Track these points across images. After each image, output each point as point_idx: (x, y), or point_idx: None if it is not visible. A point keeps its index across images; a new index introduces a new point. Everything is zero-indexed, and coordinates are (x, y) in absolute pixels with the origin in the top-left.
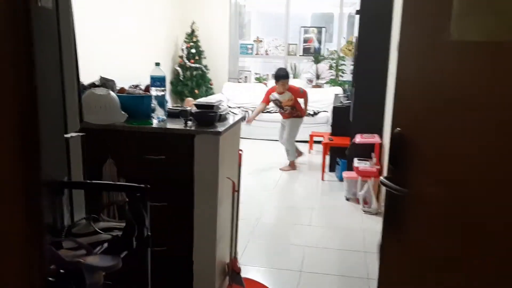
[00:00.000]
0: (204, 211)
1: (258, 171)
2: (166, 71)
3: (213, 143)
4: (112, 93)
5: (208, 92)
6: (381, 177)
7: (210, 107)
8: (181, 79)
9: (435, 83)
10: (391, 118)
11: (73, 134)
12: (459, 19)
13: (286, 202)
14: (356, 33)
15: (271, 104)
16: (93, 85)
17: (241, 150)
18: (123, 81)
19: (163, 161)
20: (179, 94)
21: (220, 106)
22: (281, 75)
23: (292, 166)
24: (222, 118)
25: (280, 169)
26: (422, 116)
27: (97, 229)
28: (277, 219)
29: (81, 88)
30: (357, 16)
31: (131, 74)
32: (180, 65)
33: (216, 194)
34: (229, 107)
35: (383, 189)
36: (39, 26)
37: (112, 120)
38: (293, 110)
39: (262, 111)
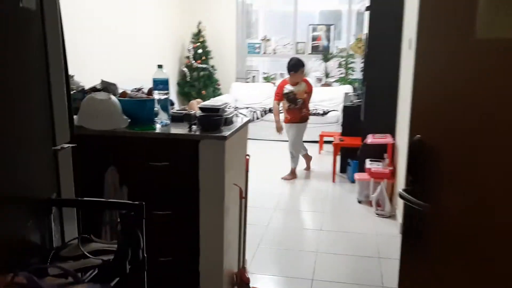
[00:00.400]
0: (210, 219)
1: (265, 174)
2: (172, 72)
3: (218, 148)
4: (113, 97)
5: (216, 92)
6: (400, 190)
7: (215, 110)
8: (188, 80)
9: (460, 85)
10: (409, 124)
11: (64, 146)
12: (487, 14)
13: (295, 206)
14: (365, 30)
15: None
16: (94, 89)
17: (248, 155)
18: (128, 84)
19: (167, 167)
20: (186, 95)
21: (225, 109)
22: (297, 64)
23: (293, 174)
24: (228, 122)
25: (282, 178)
26: (446, 121)
27: (86, 253)
28: (287, 224)
29: (82, 93)
30: (367, 13)
31: (137, 76)
32: (187, 66)
33: (223, 201)
34: (237, 107)
35: (396, 192)
36: (20, 27)
37: (113, 125)
38: (302, 106)
39: (278, 109)
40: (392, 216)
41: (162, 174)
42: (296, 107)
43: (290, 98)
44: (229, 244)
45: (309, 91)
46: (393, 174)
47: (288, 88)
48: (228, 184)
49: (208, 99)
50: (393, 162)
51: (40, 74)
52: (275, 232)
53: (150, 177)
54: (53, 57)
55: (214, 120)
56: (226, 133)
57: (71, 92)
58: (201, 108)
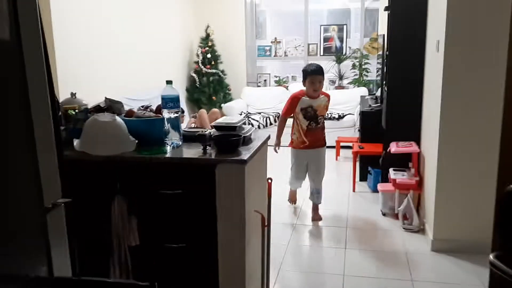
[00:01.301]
0: (230, 252)
1: (281, 185)
2: (181, 78)
3: (237, 173)
4: (118, 118)
5: (227, 98)
6: (491, 257)
7: (232, 128)
8: (198, 86)
9: None
10: (498, 171)
11: (56, 202)
12: None
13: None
14: (380, 29)
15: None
16: (98, 108)
17: (270, 178)
18: (135, 94)
19: (180, 195)
20: (195, 101)
21: (243, 126)
22: (315, 70)
23: (317, 214)
24: (246, 141)
25: (313, 220)
26: None
27: None
28: (308, 241)
29: (85, 112)
30: (384, 12)
31: (143, 86)
32: (196, 71)
33: (244, 231)
34: (249, 113)
35: (425, 203)
36: None
37: (119, 149)
38: (324, 126)
39: (283, 128)
40: (420, 230)
41: (174, 202)
42: (318, 127)
43: (310, 115)
44: (250, 276)
45: (328, 105)
46: (419, 185)
47: (306, 101)
48: (249, 211)
49: (219, 105)
50: (419, 172)
51: (18, 121)
52: (297, 252)
53: (161, 206)
54: (36, 98)
55: (231, 141)
56: (246, 155)
57: (74, 112)
58: (215, 127)
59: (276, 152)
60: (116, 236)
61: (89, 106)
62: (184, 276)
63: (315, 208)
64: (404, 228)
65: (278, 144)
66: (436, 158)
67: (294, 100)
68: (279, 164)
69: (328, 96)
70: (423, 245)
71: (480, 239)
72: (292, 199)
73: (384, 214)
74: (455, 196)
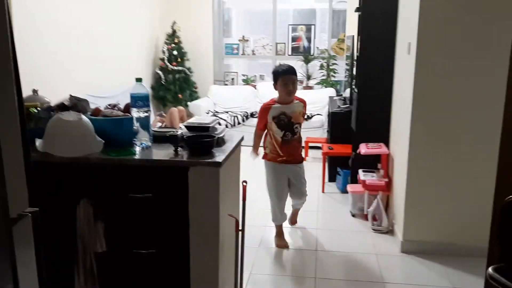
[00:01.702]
0: (203, 258)
1: (251, 186)
2: (146, 75)
3: (211, 177)
4: (84, 118)
5: (193, 96)
6: (490, 270)
7: (204, 129)
8: (163, 83)
9: None
10: (495, 182)
11: (23, 212)
12: None
13: (286, 220)
14: (347, 30)
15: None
16: (62, 106)
17: (245, 181)
18: (98, 91)
19: (150, 199)
20: (161, 99)
21: (216, 127)
22: (287, 69)
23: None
24: (220, 142)
25: (277, 245)
26: None
27: None
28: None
29: (48, 111)
30: (355, 14)
31: (109, 81)
32: (162, 68)
33: (217, 237)
34: (217, 112)
35: (394, 204)
36: None
37: (85, 151)
38: (300, 137)
39: (260, 141)
40: (389, 231)
41: (144, 207)
42: (294, 138)
43: (284, 123)
44: (224, 282)
45: (305, 112)
46: (388, 186)
47: (277, 109)
48: (223, 215)
49: (185, 103)
50: (388, 173)
51: None
52: (268, 254)
53: (130, 210)
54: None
55: (205, 142)
56: (220, 157)
57: (36, 110)
58: (187, 127)
59: (256, 155)
60: (81, 242)
61: (52, 104)
62: (154, 283)
63: (294, 212)
64: (373, 229)
65: (255, 153)
66: (407, 160)
67: (263, 111)
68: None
69: (303, 101)
70: (392, 246)
71: (449, 241)
72: (282, 242)
73: (353, 215)
74: (425, 197)
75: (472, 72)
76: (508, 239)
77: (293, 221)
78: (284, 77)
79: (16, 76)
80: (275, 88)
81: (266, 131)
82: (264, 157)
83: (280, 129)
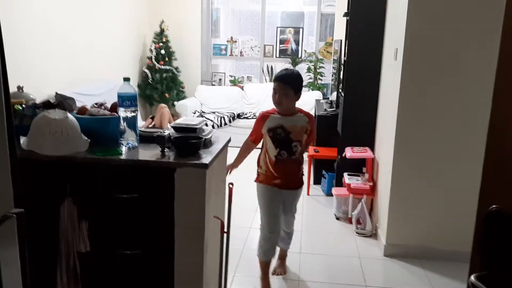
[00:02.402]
0: (188, 259)
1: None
2: (133, 74)
3: (198, 178)
4: (70, 116)
5: (180, 96)
6: (472, 278)
7: (192, 130)
8: (150, 82)
9: None
10: (479, 190)
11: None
12: None
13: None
14: (335, 34)
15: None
16: (47, 104)
17: (231, 183)
18: (84, 88)
19: (136, 200)
20: (147, 98)
21: (203, 128)
22: (279, 76)
23: (283, 265)
24: (207, 143)
25: (273, 273)
26: None
27: None
28: None
29: (33, 108)
30: (343, 18)
31: (95, 79)
32: (149, 67)
33: (203, 238)
34: (203, 112)
35: (378, 208)
36: None
37: (70, 149)
38: (301, 158)
39: (247, 155)
40: (373, 235)
41: (129, 207)
42: (291, 159)
43: (279, 138)
44: (208, 284)
45: (311, 128)
46: (373, 190)
47: (275, 119)
48: (208, 217)
49: (172, 103)
50: (372, 177)
51: None
52: (252, 256)
53: (115, 211)
54: None
55: (192, 144)
56: (207, 158)
57: (21, 107)
58: (174, 128)
59: (229, 174)
60: (65, 241)
61: (38, 101)
62: (138, 284)
63: (282, 256)
64: (357, 233)
65: (234, 166)
66: (391, 164)
67: (260, 120)
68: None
69: (310, 116)
70: (375, 250)
71: (431, 245)
72: (266, 283)
73: (337, 218)
74: (408, 202)
75: (458, 80)
76: (491, 247)
77: (280, 270)
78: (274, 83)
79: (4, 73)
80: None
81: (261, 147)
82: (256, 179)
83: (274, 145)
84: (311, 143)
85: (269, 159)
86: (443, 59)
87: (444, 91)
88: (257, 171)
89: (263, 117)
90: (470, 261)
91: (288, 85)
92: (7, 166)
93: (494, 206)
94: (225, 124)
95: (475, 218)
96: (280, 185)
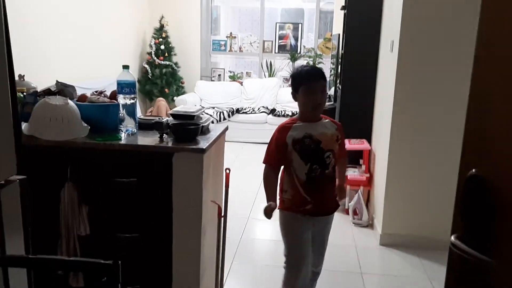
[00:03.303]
0: (185, 242)
1: (235, 179)
2: (133, 69)
3: (195, 163)
4: (71, 102)
5: (180, 91)
6: (452, 238)
7: (190, 117)
8: (150, 77)
9: None
10: (461, 155)
11: (10, 178)
12: None
13: None
14: (335, 29)
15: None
16: (48, 91)
17: (228, 169)
18: (85, 82)
19: (135, 184)
20: (147, 93)
21: (201, 116)
22: (313, 73)
23: None
24: (204, 130)
25: None
26: None
27: None
28: (262, 235)
29: (34, 96)
30: (340, 12)
31: (94, 74)
32: (149, 63)
33: (200, 222)
34: (203, 107)
35: (374, 199)
36: None
37: (71, 135)
38: (333, 172)
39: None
40: (369, 225)
41: (128, 191)
42: (325, 174)
43: (310, 150)
44: (205, 268)
45: (342, 137)
46: (369, 181)
47: (299, 128)
48: (206, 201)
49: (172, 98)
50: (369, 169)
51: None
52: (250, 245)
53: (114, 195)
54: None
55: (190, 129)
56: (204, 144)
57: (22, 95)
58: (173, 115)
59: (268, 217)
60: (65, 225)
61: (39, 90)
62: (136, 267)
63: None
64: (354, 223)
65: (271, 206)
66: (387, 156)
67: (279, 135)
68: (235, 157)
69: (338, 124)
70: (372, 239)
71: (426, 235)
72: None
73: None
74: (404, 192)
75: (454, 71)
76: (470, 209)
77: None
78: (309, 84)
79: (9, 61)
80: (295, 99)
81: (281, 168)
82: (280, 206)
83: (304, 160)
84: (345, 158)
85: (298, 179)
86: (439, 50)
87: (439, 82)
88: (281, 198)
89: (284, 129)
90: (452, 223)
91: (325, 80)
92: (11, 136)
93: (473, 170)
94: (224, 119)
95: (457, 183)
96: (312, 211)
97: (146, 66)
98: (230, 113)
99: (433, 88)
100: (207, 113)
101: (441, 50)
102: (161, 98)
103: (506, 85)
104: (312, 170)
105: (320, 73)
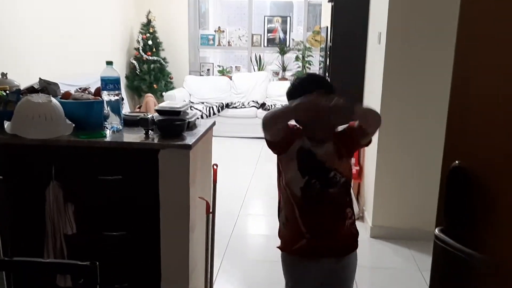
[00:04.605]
0: (173, 239)
1: (225, 174)
2: (120, 65)
3: (182, 159)
4: (54, 100)
5: (168, 86)
6: (436, 230)
7: (176, 113)
8: (138, 73)
9: None
10: (444, 147)
11: None
12: None
13: (260, 209)
14: (323, 22)
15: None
16: (31, 89)
17: (215, 165)
18: (71, 80)
19: (121, 181)
20: (136, 89)
21: (187, 111)
22: (316, 80)
23: None
24: (191, 126)
25: None
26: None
27: None
28: (253, 230)
29: (17, 94)
30: (328, 5)
31: (79, 70)
32: (136, 58)
33: (188, 218)
34: (192, 102)
35: (365, 191)
36: None
37: (55, 133)
38: (346, 197)
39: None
40: (360, 218)
41: (114, 189)
42: (330, 196)
43: (309, 161)
44: (194, 265)
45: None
46: (359, 174)
47: (306, 144)
48: (193, 198)
49: (160, 93)
50: (359, 162)
51: None
52: (240, 240)
53: (100, 193)
54: None
55: (175, 125)
56: (191, 140)
57: (4, 93)
58: (158, 111)
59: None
60: (51, 224)
61: (21, 88)
62: (124, 265)
63: None
64: None
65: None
66: (376, 148)
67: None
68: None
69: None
70: (362, 232)
71: (415, 226)
72: None
73: None
74: (393, 185)
75: (441, 61)
76: (454, 202)
77: None
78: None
79: None
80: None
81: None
82: (281, 240)
83: (302, 171)
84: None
85: (294, 201)
86: (426, 42)
87: (427, 74)
88: (279, 223)
89: (297, 131)
90: (436, 216)
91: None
92: None
93: (456, 162)
94: (214, 114)
95: (440, 175)
96: (306, 249)
97: (134, 61)
98: (219, 108)
99: (421, 80)
100: (196, 108)
101: (429, 41)
102: (149, 94)
103: (486, 78)
104: (310, 187)
105: (323, 82)
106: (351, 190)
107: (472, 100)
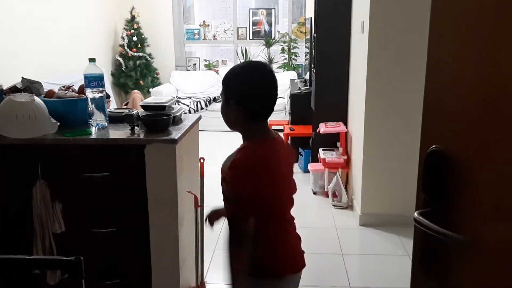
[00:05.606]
0: (163, 234)
1: (214, 168)
2: (105, 62)
3: (168, 153)
4: (37, 99)
5: (155, 82)
6: (416, 214)
7: (161, 108)
8: (124, 70)
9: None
10: (421, 131)
11: None
12: None
13: None
14: (306, 13)
15: None
16: (14, 89)
17: (202, 158)
18: (55, 78)
19: (107, 178)
20: (122, 86)
21: (172, 106)
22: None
23: None
24: (177, 121)
25: None
26: (479, 125)
27: None
28: None
29: (0, 94)
30: None
31: (63, 68)
32: (122, 55)
33: (176, 213)
34: (179, 98)
35: (353, 180)
36: None
37: (39, 132)
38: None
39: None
40: (349, 206)
41: (102, 186)
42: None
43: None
44: (185, 259)
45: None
46: (347, 163)
47: None
48: (181, 192)
49: (147, 90)
50: (347, 151)
51: None
52: None
53: (88, 190)
54: None
55: (161, 120)
56: (176, 134)
57: None
58: (144, 107)
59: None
60: (39, 223)
61: (4, 88)
62: (114, 261)
63: None
64: (333, 205)
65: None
66: (363, 137)
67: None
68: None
69: (236, 160)
70: (351, 220)
71: (403, 213)
72: None
73: (315, 193)
74: (381, 173)
75: (423, 48)
76: (432, 186)
77: None
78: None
79: None
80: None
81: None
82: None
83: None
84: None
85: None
86: (409, 30)
87: (410, 63)
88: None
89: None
90: (416, 200)
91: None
92: None
93: (434, 146)
94: (202, 108)
95: (419, 160)
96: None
97: (119, 58)
98: (207, 102)
99: (404, 68)
100: (183, 103)
101: (411, 30)
102: (136, 91)
103: (457, 61)
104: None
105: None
106: None
107: (445, 85)
